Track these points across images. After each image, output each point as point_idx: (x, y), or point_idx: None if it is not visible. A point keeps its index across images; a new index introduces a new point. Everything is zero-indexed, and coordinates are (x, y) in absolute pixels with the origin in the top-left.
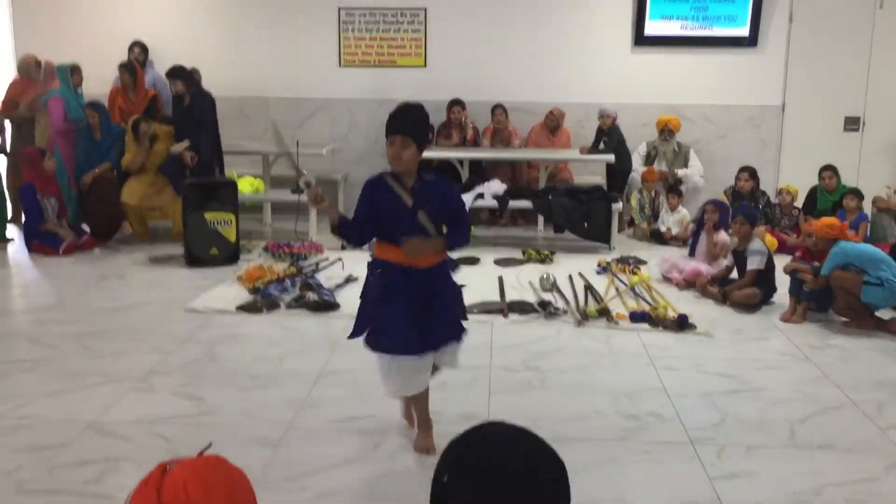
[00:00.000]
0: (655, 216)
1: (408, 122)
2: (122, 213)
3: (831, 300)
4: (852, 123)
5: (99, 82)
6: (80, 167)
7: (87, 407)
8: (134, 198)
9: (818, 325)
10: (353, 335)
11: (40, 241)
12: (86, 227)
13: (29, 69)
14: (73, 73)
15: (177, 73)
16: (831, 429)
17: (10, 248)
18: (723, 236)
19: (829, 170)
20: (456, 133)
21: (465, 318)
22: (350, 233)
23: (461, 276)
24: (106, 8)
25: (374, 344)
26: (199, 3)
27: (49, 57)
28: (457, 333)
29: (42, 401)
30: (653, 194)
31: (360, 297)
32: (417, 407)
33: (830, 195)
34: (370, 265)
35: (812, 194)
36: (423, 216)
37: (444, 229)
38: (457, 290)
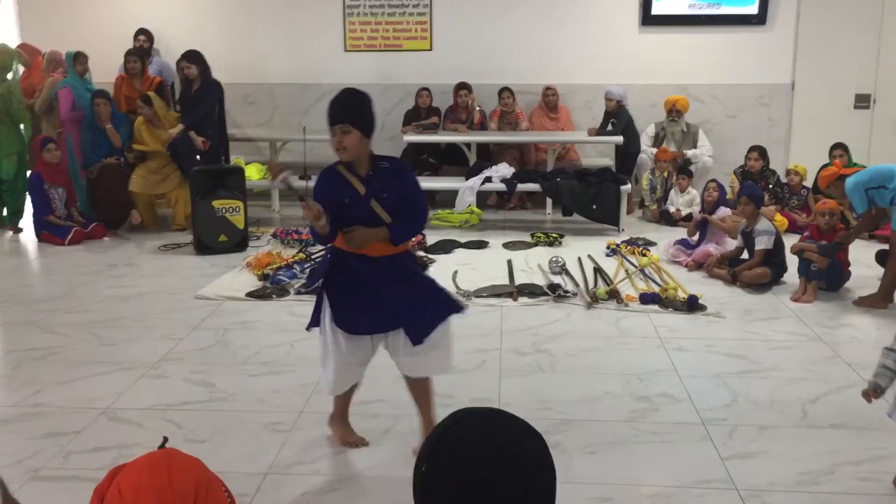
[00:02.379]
0: (667, 197)
1: (346, 108)
2: (130, 201)
3: (842, 279)
4: (862, 101)
5: (107, 71)
6: (87, 156)
7: (100, 394)
8: (137, 185)
9: (829, 305)
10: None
11: (48, 232)
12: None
13: (21, 59)
14: (75, 61)
15: (193, 56)
16: (844, 408)
17: (22, 237)
18: (722, 210)
19: (839, 148)
20: (463, 116)
21: (441, 315)
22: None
23: (468, 260)
24: None
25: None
26: None
27: (55, 46)
28: (413, 324)
29: (55, 389)
30: (665, 174)
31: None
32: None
33: None
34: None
35: None
36: (376, 205)
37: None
38: (420, 283)
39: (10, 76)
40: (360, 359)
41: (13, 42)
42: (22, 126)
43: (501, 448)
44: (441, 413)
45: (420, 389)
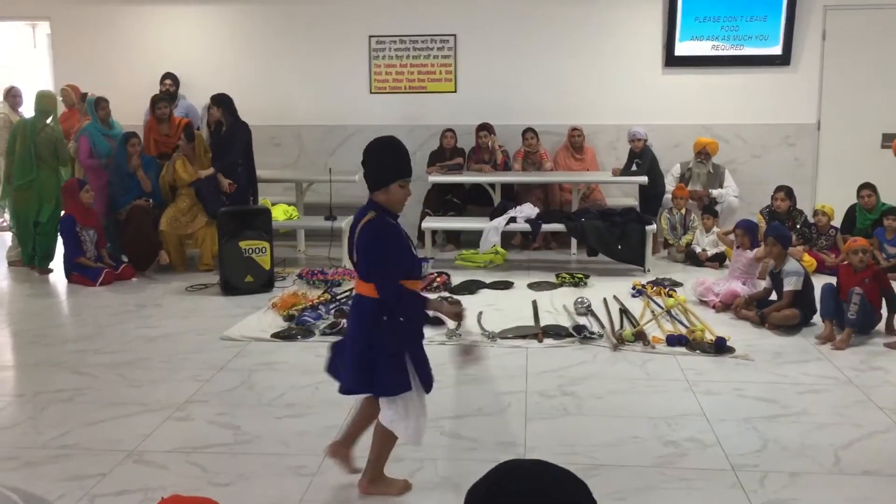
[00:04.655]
0: (685, 231)
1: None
2: (158, 242)
3: (873, 321)
4: (889, 140)
5: (136, 114)
6: (117, 199)
7: (126, 436)
8: (167, 225)
9: (860, 348)
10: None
11: (79, 273)
12: (124, 258)
13: (68, 99)
14: (96, 107)
15: (219, 100)
16: (877, 454)
17: (51, 278)
18: (758, 251)
19: (867, 188)
20: (486, 157)
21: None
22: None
23: (493, 301)
24: (140, 39)
25: None
26: (230, 34)
27: (88, 89)
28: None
29: (82, 430)
30: (683, 212)
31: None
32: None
33: (869, 214)
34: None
35: (850, 213)
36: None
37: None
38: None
39: (49, 120)
40: None
41: (49, 84)
42: (63, 170)
43: (548, 496)
44: (469, 456)
45: (376, 431)
